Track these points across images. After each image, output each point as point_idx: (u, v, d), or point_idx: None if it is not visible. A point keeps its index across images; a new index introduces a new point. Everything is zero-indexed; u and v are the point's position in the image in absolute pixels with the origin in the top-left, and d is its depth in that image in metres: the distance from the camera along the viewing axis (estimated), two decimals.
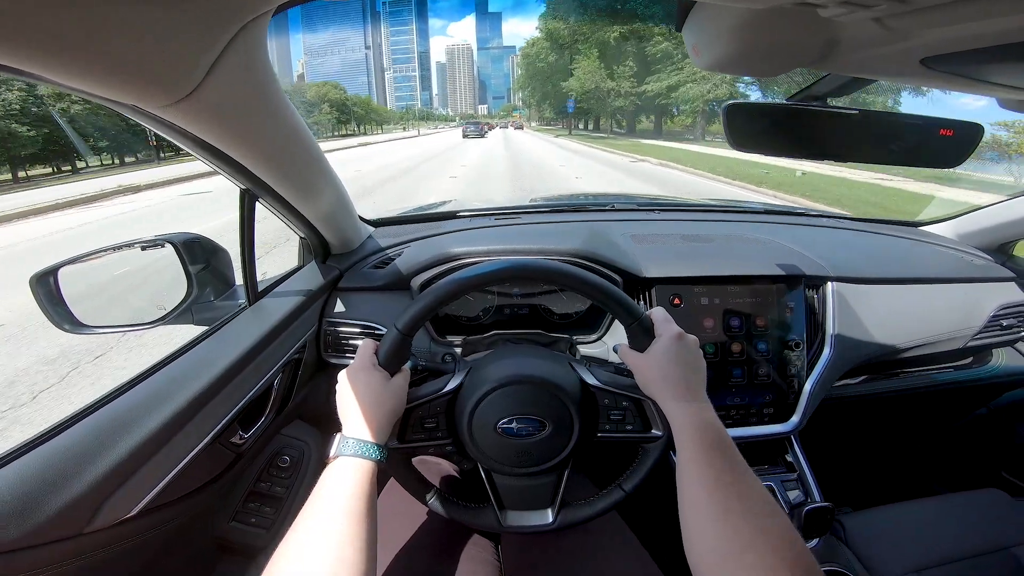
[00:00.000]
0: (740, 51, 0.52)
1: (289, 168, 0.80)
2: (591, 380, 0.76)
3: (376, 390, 0.68)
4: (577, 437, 0.73)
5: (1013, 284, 1.32)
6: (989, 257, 1.39)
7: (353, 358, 0.73)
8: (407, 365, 0.75)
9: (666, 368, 0.68)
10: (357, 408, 0.66)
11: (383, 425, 0.66)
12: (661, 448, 0.75)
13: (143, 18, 0.40)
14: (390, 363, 0.71)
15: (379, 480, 0.65)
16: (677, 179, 13.19)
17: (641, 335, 0.72)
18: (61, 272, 0.89)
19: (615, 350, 0.83)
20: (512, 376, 0.73)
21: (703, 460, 0.59)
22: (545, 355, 0.80)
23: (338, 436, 0.65)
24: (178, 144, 0.61)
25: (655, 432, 0.75)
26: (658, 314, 0.75)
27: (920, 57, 0.47)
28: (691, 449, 0.60)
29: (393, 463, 0.75)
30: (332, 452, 0.63)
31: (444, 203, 1.78)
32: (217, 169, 0.70)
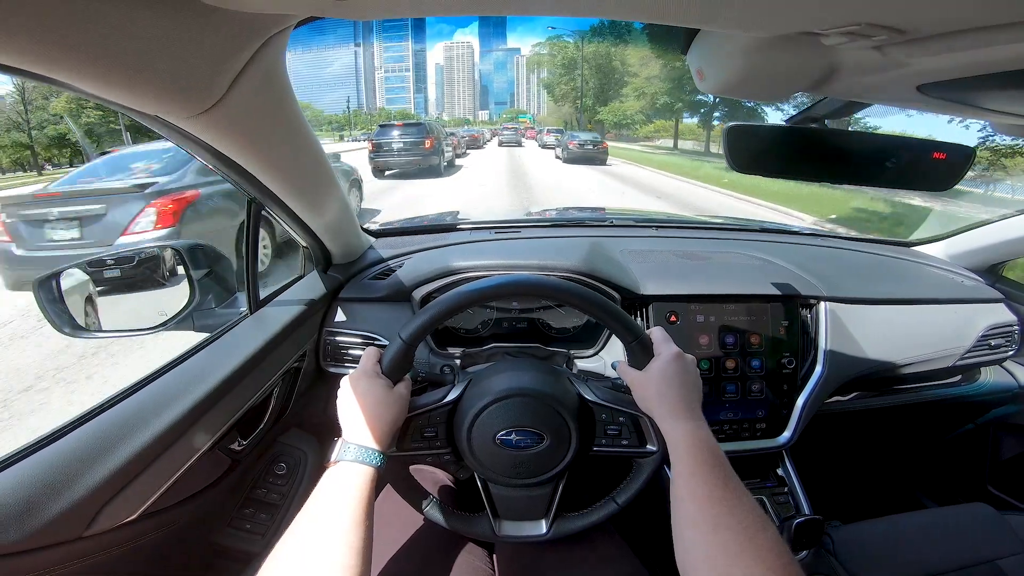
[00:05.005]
0: (743, 76, 0.54)
1: (299, 179, 0.80)
2: (589, 396, 0.78)
3: (379, 397, 0.68)
4: (574, 451, 0.74)
5: (1002, 305, 1.35)
6: (979, 278, 1.41)
7: (351, 368, 0.73)
8: (408, 375, 0.75)
9: (664, 386, 0.69)
10: (359, 414, 0.67)
11: (384, 432, 0.67)
12: (655, 464, 0.76)
13: (174, 32, 0.41)
14: (393, 371, 0.72)
15: (375, 486, 0.65)
16: None
17: (640, 353, 0.74)
18: (63, 276, 0.89)
19: (613, 367, 0.84)
20: (513, 389, 0.73)
21: (697, 476, 0.60)
22: (545, 369, 0.81)
23: (339, 441, 0.66)
24: (194, 154, 0.62)
25: (650, 448, 0.76)
26: (657, 334, 0.76)
27: (917, 84, 0.49)
28: (686, 465, 0.62)
29: (391, 470, 0.75)
30: (333, 457, 0.64)
31: (444, 214, 1.79)
32: (227, 178, 0.71)
